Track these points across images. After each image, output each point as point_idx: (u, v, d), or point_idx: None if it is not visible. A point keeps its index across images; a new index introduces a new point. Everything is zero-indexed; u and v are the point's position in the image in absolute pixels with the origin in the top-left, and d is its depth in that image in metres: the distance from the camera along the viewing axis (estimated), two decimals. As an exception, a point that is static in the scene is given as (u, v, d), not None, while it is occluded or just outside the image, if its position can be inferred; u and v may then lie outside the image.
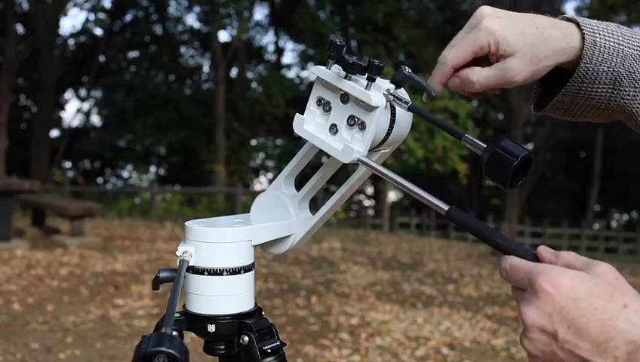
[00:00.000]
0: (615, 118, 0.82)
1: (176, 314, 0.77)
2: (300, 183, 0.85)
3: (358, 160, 0.73)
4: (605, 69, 0.76)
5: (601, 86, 0.77)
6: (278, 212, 0.84)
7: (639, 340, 0.53)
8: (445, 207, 0.67)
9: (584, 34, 0.75)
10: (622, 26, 0.79)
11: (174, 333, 0.76)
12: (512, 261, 0.61)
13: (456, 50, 0.76)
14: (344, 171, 0.84)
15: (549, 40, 0.75)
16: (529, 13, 0.78)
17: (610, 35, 0.76)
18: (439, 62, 0.77)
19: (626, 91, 0.78)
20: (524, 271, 0.59)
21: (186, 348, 0.57)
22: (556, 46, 0.75)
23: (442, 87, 0.77)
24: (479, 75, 0.75)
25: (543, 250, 0.62)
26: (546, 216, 18.29)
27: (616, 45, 0.76)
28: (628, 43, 0.77)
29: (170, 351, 0.54)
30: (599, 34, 0.76)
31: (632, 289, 0.57)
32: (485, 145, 0.68)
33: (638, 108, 0.79)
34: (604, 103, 0.79)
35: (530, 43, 0.74)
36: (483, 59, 0.77)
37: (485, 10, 0.76)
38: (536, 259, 0.62)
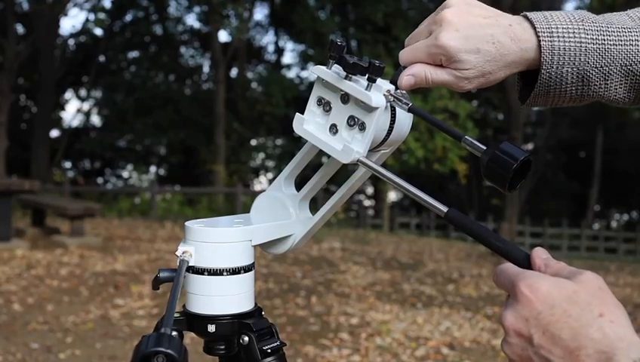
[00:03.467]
0: (599, 101, 0.82)
1: (176, 314, 0.77)
2: (300, 183, 0.85)
3: (358, 160, 0.73)
4: (569, 70, 0.76)
5: (569, 86, 0.77)
6: (279, 212, 0.84)
7: (610, 350, 0.53)
8: (444, 209, 0.67)
9: (540, 39, 0.74)
10: (587, 17, 0.77)
11: (174, 333, 0.76)
12: (502, 266, 0.61)
13: (411, 56, 0.77)
14: (344, 171, 0.84)
15: (504, 56, 0.75)
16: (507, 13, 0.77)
17: (571, 34, 0.75)
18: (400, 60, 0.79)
19: (596, 85, 0.77)
20: (509, 275, 0.60)
21: (185, 348, 0.57)
22: (510, 61, 0.76)
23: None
24: (434, 76, 0.76)
25: (537, 256, 0.62)
26: (546, 216, 18.28)
27: (577, 44, 0.75)
28: (591, 38, 0.75)
29: (169, 351, 0.54)
30: (557, 36, 0.75)
31: (613, 300, 0.56)
32: (485, 147, 0.68)
33: (614, 96, 0.79)
34: (578, 97, 0.79)
35: (483, 60, 0.75)
36: None
37: (448, 15, 0.75)
38: (529, 261, 0.62)
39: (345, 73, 0.72)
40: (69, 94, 25.08)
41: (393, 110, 0.76)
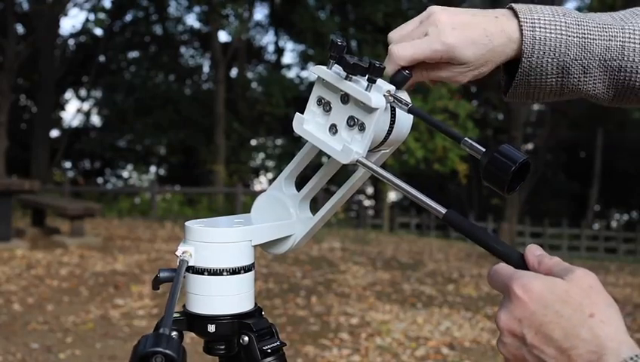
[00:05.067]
0: (579, 97, 0.84)
1: (177, 314, 0.77)
2: (300, 183, 0.85)
3: (357, 161, 0.73)
4: (549, 60, 0.78)
5: (549, 77, 0.79)
6: (279, 212, 0.84)
7: (599, 350, 0.54)
8: (442, 210, 0.67)
9: (522, 29, 0.77)
10: (570, 12, 0.79)
11: (174, 333, 0.76)
12: (496, 266, 0.62)
13: (408, 52, 0.77)
14: (345, 171, 0.84)
15: (495, 48, 0.78)
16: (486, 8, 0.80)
17: (553, 26, 0.77)
18: (389, 56, 0.78)
19: (575, 78, 0.79)
20: (502, 276, 0.60)
21: (184, 348, 0.57)
22: (500, 51, 0.78)
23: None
24: (435, 73, 0.79)
25: (530, 254, 0.62)
26: (546, 216, 18.28)
27: (559, 36, 0.77)
28: (572, 32, 0.78)
29: (167, 351, 0.54)
30: (539, 27, 0.77)
31: (604, 299, 0.57)
32: (484, 149, 0.68)
33: (592, 90, 0.81)
34: (558, 90, 0.81)
35: (479, 54, 0.77)
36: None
37: (439, 15, 0.77)
38: (524, 261, 0.62)
39: (345, 73, 0.72)
40: (69, 94, 25.09)
41: (393, 110, 0.76)
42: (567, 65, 0.78)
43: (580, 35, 0.78)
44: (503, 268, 0.61)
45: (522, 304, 0.57)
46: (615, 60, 0.78)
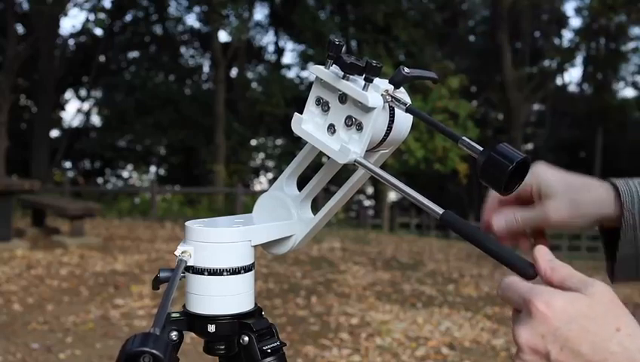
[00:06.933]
0: None
1: (177, 314, 0.77)
2: (301, 183, 0.85)
3: (355, 161, 0.73)
4: None
5: None
6: (280, 212, 0.84)
7: None
8: (440, 211, 0.66)
9: (616, 186, 0.79)
10: None
11: (174, 333, 0.76)
12: (509, 280, 0.61)
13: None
14: (346, 171, 0.84)
15: (587, 189, 0.79)
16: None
17: None
18: (489, 197, 0.83)
19: None
20: (520, 291, 0.59)
21: (172, 347, 0.56)
22: (596, 196, 0.79)
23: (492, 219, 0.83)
24: (522, 215, 0.80)
25: (541, 258, 0.61)
26: (546, 216, 18.25)
27: None
28: None
29: (154, 351, 0.54)
30: (632, 182, 0.79)
31: (626, 312, 0.57)
32: (481, 149, 0.68)
33: None
34: None
35: (570, 189, 0.79)
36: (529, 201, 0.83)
37: (541, 163, 0.83)
38: (532, 268, 0.61)
39: (343, 73, 0.72)
40: (69, 94, 25.12)
41: (392, 110, 0.76)
42: None
43: None
44: (518, 282, 0.60)
45: (546, 319, 0.56)
46: None
